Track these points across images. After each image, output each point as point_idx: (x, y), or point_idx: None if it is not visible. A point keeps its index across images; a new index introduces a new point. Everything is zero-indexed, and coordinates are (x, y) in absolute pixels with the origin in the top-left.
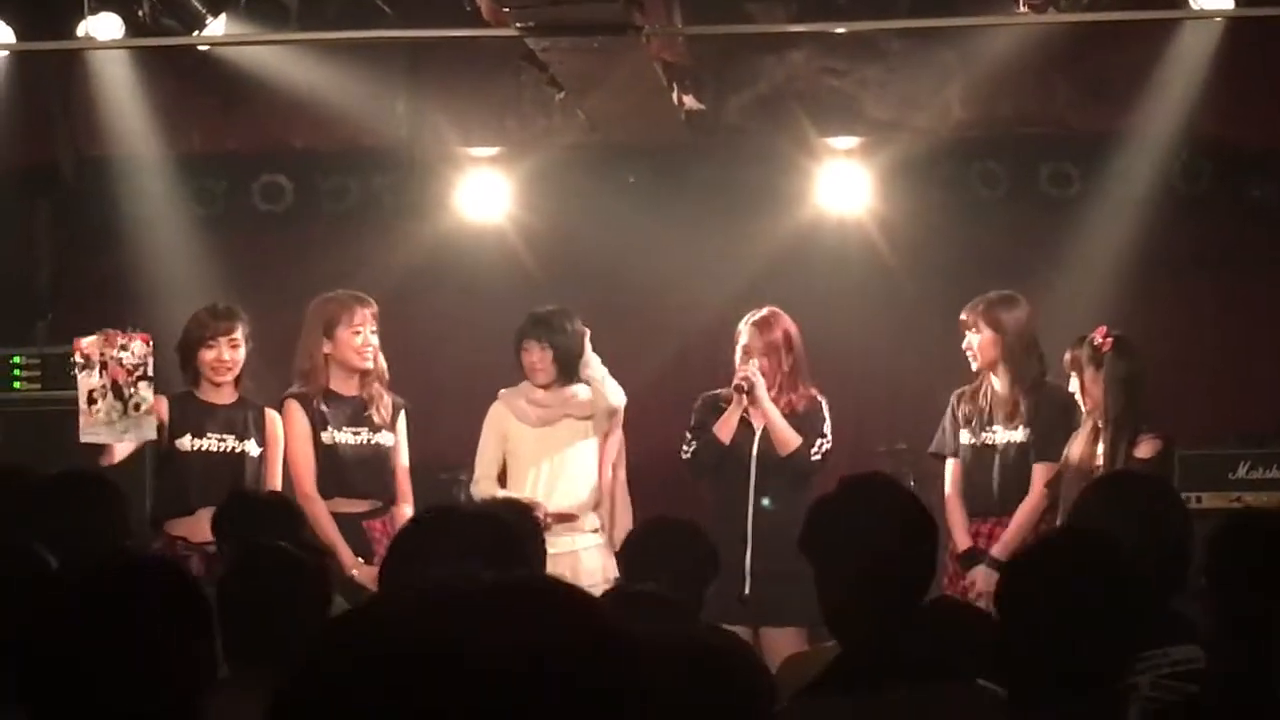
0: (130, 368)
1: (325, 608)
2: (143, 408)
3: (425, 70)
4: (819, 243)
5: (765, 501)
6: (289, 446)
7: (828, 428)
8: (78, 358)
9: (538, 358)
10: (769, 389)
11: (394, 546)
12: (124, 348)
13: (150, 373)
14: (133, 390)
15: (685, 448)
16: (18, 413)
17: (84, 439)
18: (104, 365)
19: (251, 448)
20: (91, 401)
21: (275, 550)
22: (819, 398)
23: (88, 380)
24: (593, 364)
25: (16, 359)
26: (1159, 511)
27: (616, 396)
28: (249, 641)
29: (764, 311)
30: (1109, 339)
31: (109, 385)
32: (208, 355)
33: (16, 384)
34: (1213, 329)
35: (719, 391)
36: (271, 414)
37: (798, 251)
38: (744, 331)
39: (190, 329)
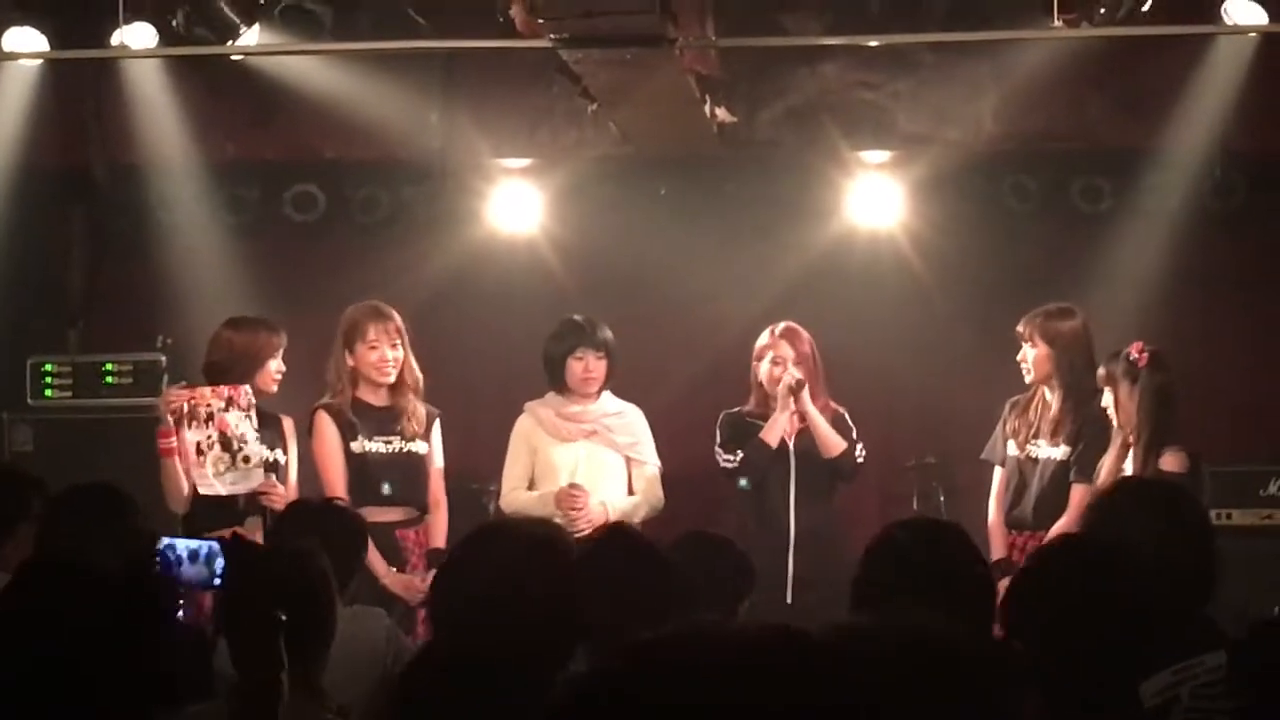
0: (237, 420)
1: (330, 612)
2: (251, 460)
3: (458, 82)
4: (850, 256)
5: (743, 482)
6: (320, 457)
7: (859, 451)
8: (184, 408)
9: (594, 367)
10: (793, 393)
11: (448, 562)
12: (231, 400)
13: (256, 424)
14: (242, 444)
15: (727, 459)
16: (50, 420)
17: (201, 491)
18: (210, 417)
19: (280, 456)
20: (200, 453)
21: (272, 555)
22: (839, 408)
23: (196, 432)
24: (646, 447)
25: (48, 366)
26: (1177, 515)
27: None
28: (250, 648)
29: (785, 325)
30: (1145, 354)
31: (216, 437)
32: (273, 366)
33: (48, 392)
34: (1245, 345)
35: (740, 409)
36: (287, 421)
37: (829, 265)
38: (772, 343)
39: (258, 342)
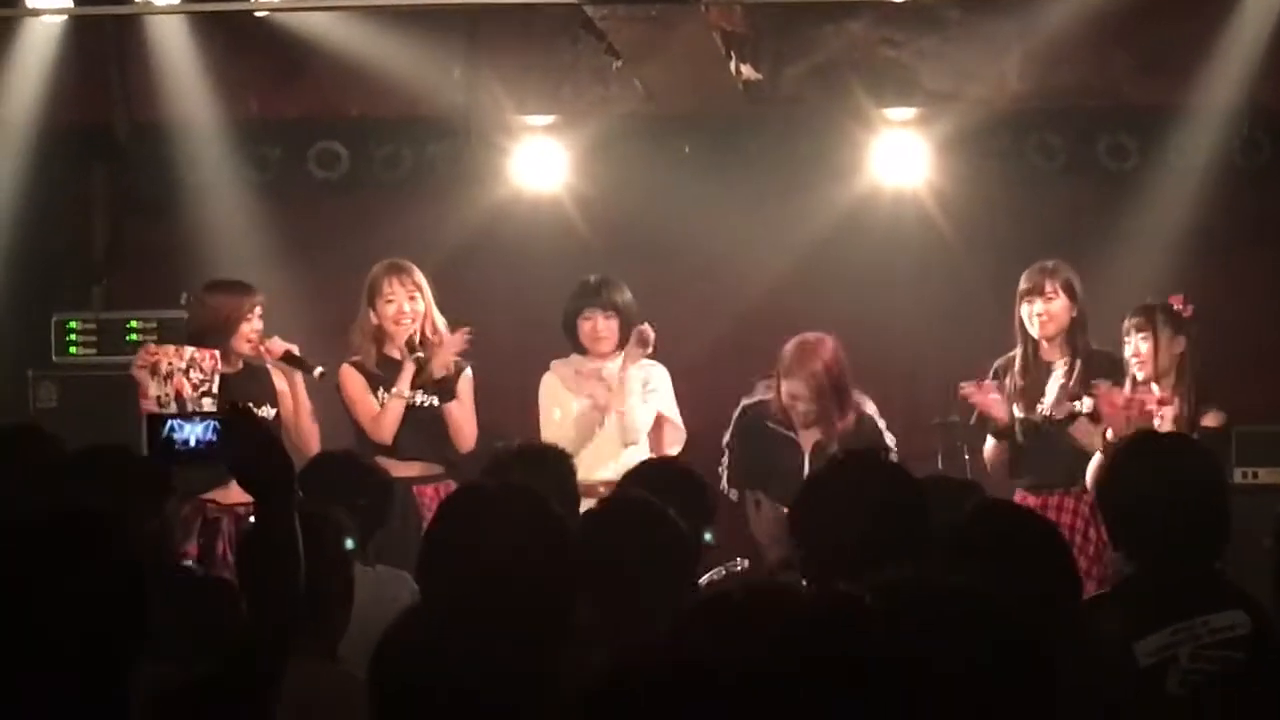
0: (196, 383)
1: (344, 571)
2: None
3: (482, 38)
4: (874, 214)
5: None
6: (351, 406)
7: (889, 440)
8: (147, 362)
9: (602, 326)
10: (811, 424)
11: (435, 525)
12: (193, 362)
13: (214, 390)
14: (197, 406)
15: (731, 491)
16: (74, 377)
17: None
18: (169, 376)
19: (267, 412)
20: (160, 408)
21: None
22: (866, 409)
23: (155, 387)
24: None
25: (73, 324)
26: (1176, 473)
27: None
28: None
29: (797, 344)
30: (1189, 307)
31: (173, 396)
32: (245, 329)
33: (73, 349)
34: (1271, 303)
35: (763, 404)
36: (275, 372)
37: (853, 222)
38: (785, 370)
39: (228, 305)
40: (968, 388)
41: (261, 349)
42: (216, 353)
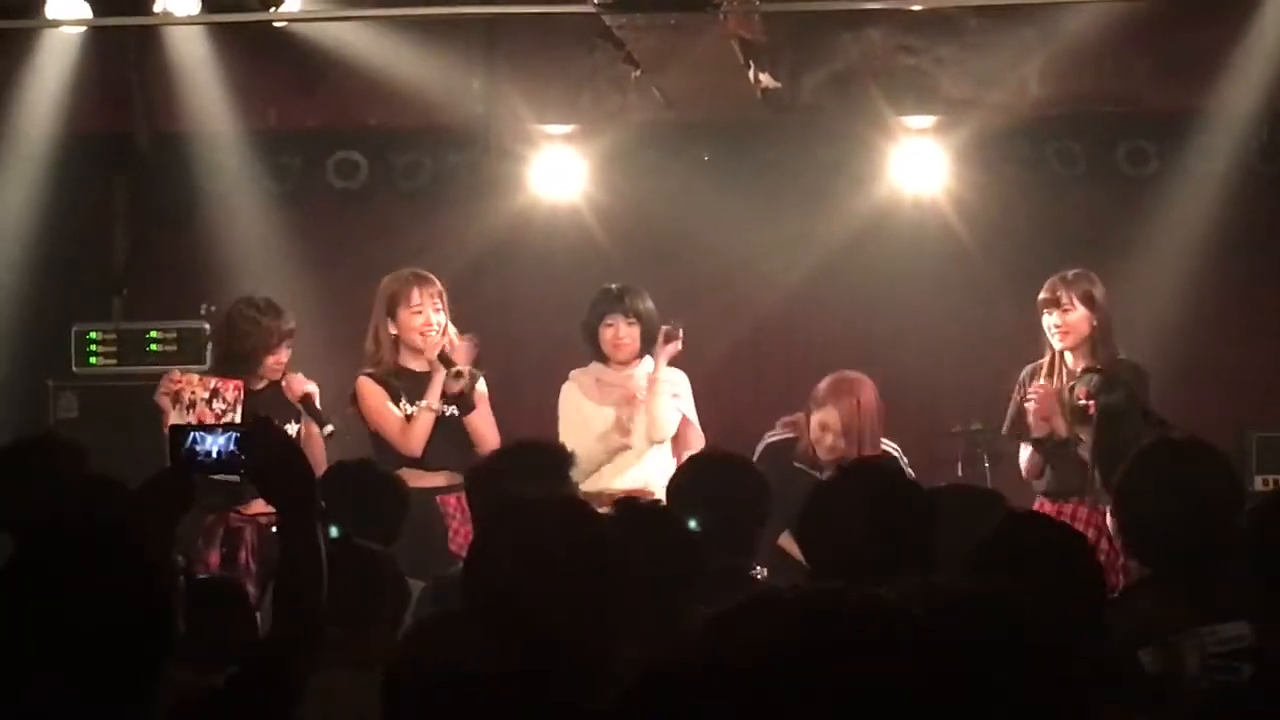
0: (219, 413)
1: (388, 584)
2: None
3: (501, 47)
4: (894, 222)
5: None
6: (375, 419)
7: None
8: (170, 390)
9: (624, 333)
10: (835, 460)
11: (480, 537)
12: (216, 392)
13: (238, 419)
14: None
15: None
16: (95, 387)
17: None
18: (192, 405)
19: (292, 429)
20: None
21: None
22: (892, 450)
23: (176, 415)
24: (688, 410)
25: (93, 334)
26: (1202, 481)
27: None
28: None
29: (835, 380)
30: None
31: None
32: (269, 361)
33: (93, 359)
34: None
35: (785, 437)
36: (295, 382)
37: (872, 231)
38: (820, 400)
39: (251, 331)
40: (1034, 398)
41: (283, 383)
42: (240, 383)
